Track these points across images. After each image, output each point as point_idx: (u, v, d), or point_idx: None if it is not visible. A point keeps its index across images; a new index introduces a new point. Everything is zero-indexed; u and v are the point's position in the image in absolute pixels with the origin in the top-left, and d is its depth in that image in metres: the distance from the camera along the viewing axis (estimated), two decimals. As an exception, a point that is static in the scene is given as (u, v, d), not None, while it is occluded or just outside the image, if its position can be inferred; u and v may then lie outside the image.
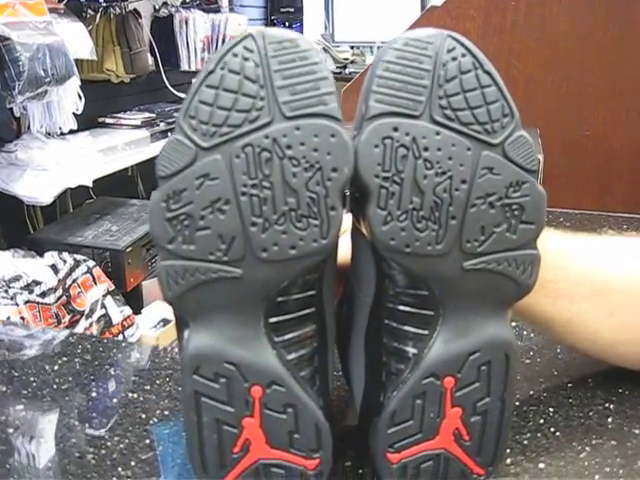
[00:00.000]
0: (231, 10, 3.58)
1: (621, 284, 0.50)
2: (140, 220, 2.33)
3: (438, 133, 0.38)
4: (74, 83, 2.02)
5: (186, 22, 3.04)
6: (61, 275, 1.79)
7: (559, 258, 0.48)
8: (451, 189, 0.38)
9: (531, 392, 0.55)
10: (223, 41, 3.36)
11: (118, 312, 1.95)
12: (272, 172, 0.37)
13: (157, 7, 2.97)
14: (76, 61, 1.99)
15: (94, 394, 0.57)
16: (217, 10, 3.45)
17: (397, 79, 0.38)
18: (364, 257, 0.42)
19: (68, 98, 2.07)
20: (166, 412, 0.55)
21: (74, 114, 2.13)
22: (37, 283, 1.73)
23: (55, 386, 0.58)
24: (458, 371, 0.40)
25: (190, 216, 0.37)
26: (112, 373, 0.61)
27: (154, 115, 2.70)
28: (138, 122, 2.61)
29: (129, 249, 2.12)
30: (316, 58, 0.38)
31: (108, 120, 2.61)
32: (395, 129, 0.37)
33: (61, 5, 2.11)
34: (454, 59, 0.38)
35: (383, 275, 0.41)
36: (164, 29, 3.00)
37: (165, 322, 2.13)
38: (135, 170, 2.78)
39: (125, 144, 2.42)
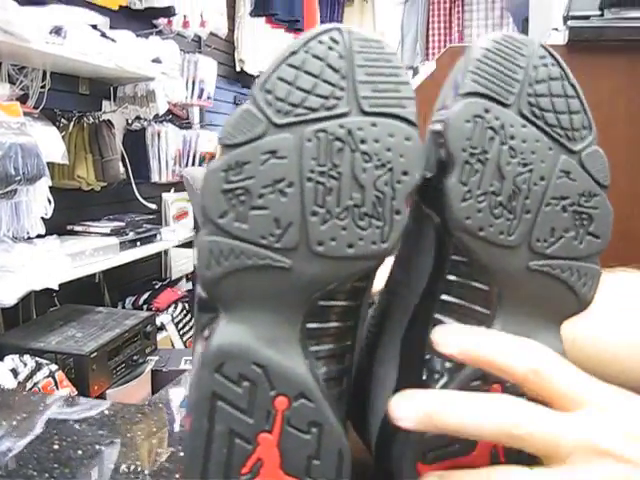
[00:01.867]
0: (202, 127, 3.67)
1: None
2: (106, 327, 2.25)
3: (525, 126, 0.38)
4: (44, 185, 2.01)
5: (158, 135, 3.09)
6: (21, 378, 1.70)
7: None
8: (530, 182, 0.38)
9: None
10: (194, 156, 3.42)
11: (80, 420, 1.85)
12: (342, 163, 0.35)
13: (130, 121, 3.02)
14: (48, 167, 1.99)
15: (56, 447, 0.52)
16: (189, 127, 3.53)
17: (493, 66, 0.38)
18: (424, 243, 0.40)
19: (37, 201, 2.05)
20: (138, 462, 0.49)
21: (43, 220, 2.10)
22: (-5, 386, 1.63)
23: (13, 439, 0.53)
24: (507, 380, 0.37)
25: (248, 192, 0.34)
26: (77, 428, 0.56)
27: (124, 224, 2.69)
28: (107, 230, 2.59)
29: (94, 354, 2.03)
30: (399, 63, 0.37)
31: (77, 228, 2.59)
32: (487, 110, 0.37)
33: (36, 110, 2.14)
34: (544, 65, 0.39)
35: (443, 261, 0.39)
36: (136, 142, 3.04)
37: (129, 433, 2.01)
38: (102, 277, 2.73)
39: (93, 250, 2.38)
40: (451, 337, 0.36)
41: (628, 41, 1.36)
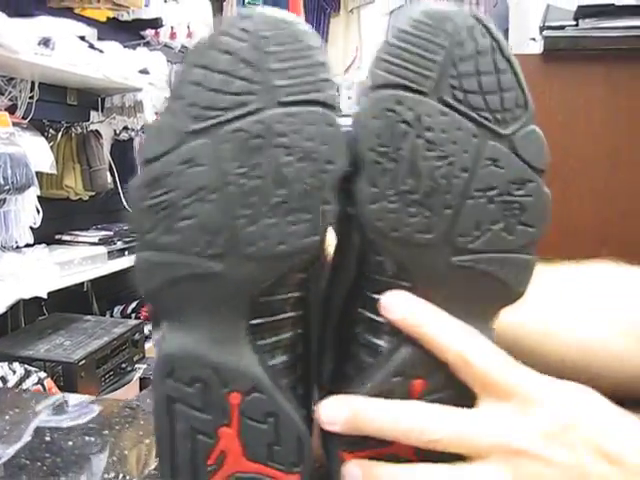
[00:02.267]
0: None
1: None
2: (95, 335, 2.26)
3: (444, 114, 0.35)
4: (33, 195, 2.02)
5: (146, 145, 3.10)
6: (10, 385, 1.71)
7: None
8: (450, 176, 0.35)
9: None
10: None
11: (69, 428, 1.85)
12: (263, 161, 0.34)
13: (117, 131, 3.04)
14: (36, 176, 2.00)
15: (47, 438, 0.54)
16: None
17: (409, 50, 0.34)
18: (348, 243, 0.39)
19: (26, 211, 2.06)
20: (126, 452, 0.52)
21: (31, 229, 2.11)
22: (-17, 394, 1.64)
23: (5, 432, 0.55)
24: (430, 375, 0.37)
25: (172, 204, 0.34)
26: (67, 424, 0.58)
27: (112, 233, 2.70)
28: (95, 239, 2.60)
29: (82, 362, 2.04)
30: (312, 42, 0.35)
31: (65, 237, 2.60)
32: (399, 102, 0.34)
33: (25, 121, 2.15)
34: (473, 39, 0.35)
35: (365, 260, 0.38)
36: (124, 152, 3.05)
37: (118, 440, 2.02)
38: (90, 286, 2.74)
39: (82, 259, 2.39)
40: (398, 303, 0.36)
41: (603, 50, 1.40)
